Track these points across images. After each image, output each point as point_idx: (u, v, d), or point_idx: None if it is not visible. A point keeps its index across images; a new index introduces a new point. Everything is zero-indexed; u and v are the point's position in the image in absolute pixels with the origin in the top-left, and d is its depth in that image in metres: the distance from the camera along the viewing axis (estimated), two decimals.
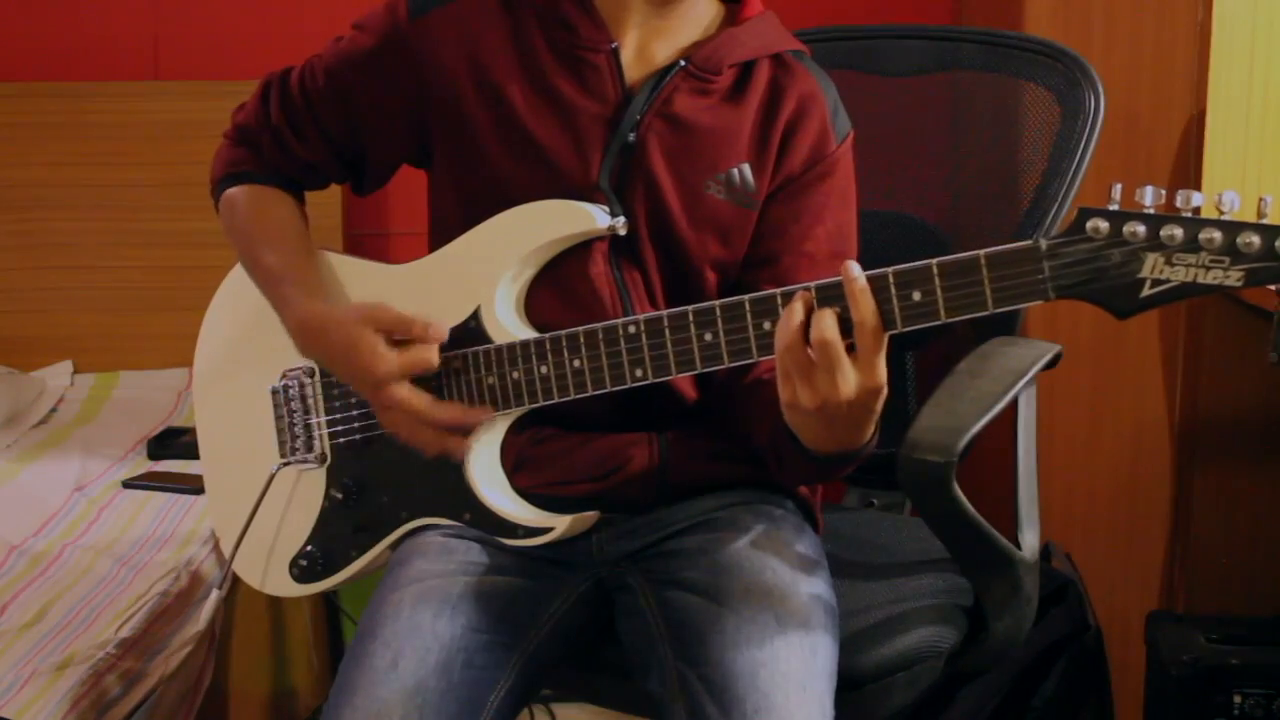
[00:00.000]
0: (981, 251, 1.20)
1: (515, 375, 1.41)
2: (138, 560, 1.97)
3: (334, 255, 1.55)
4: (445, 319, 1.44)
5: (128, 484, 2.27)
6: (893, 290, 1.23)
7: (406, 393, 1.40)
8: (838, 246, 1.47)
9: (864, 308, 1.23)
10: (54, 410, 2.64)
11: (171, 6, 2.91)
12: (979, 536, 1.41)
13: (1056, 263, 1.17)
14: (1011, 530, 1.53)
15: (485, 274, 1.44)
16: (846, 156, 1.49)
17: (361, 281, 1.52)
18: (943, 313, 1.21)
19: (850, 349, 1.24)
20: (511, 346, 1.41)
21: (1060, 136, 1.67)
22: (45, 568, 1.93)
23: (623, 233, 1.43)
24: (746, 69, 1.46)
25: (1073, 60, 1.68)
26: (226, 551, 1.60)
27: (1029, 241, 1.18)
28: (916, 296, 1.22)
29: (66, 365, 2.80)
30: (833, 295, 1.25)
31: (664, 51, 1.45)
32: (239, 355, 1.60)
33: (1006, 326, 1.63)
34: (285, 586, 1.57)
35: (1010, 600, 1.48)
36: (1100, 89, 1.65)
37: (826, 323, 1.23)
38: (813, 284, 1.26)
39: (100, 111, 2.81)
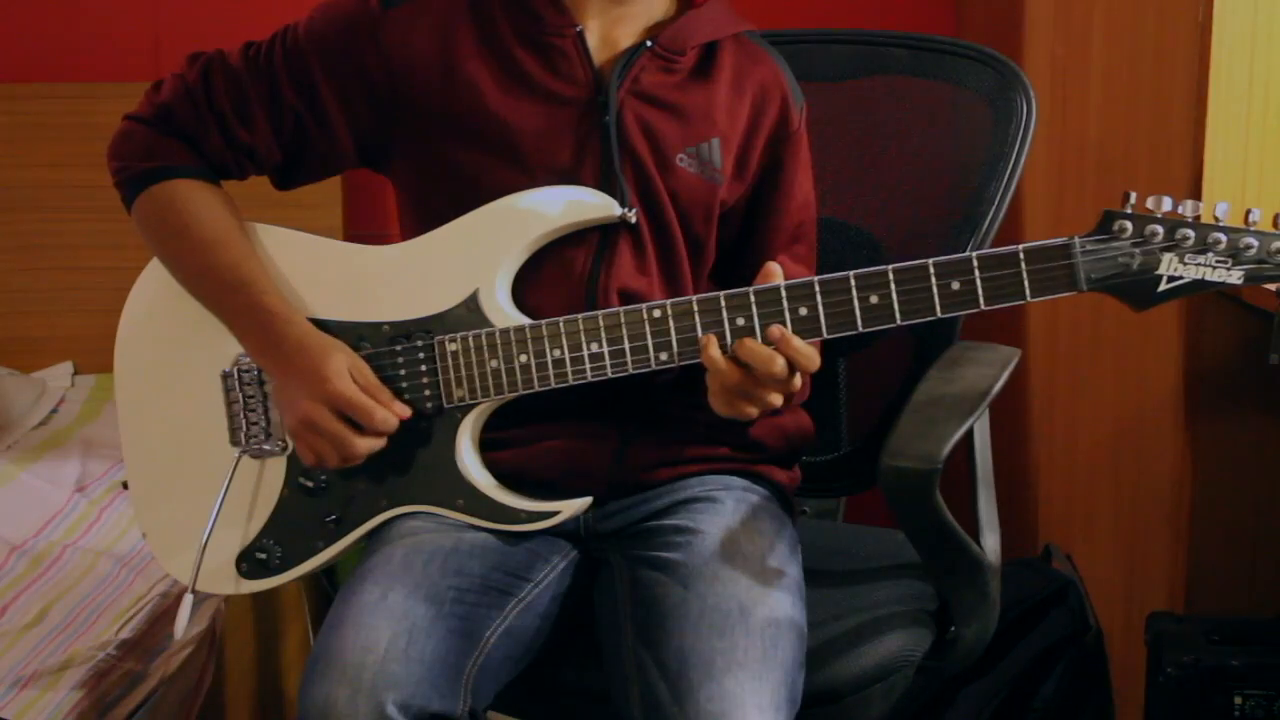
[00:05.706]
0: (1020, 246, 1.32)
1: (523, 359, 1.41)
2: (138, 561, 1.97)
3: (325, 241, 1.51)
4: (438, 301, 1.44)
5: (128, 485, 2.26)
6: (933, 280, 1.33)
7: (336, 420, 1.40)
8: (806, 215, 1.55)
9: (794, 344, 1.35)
10: (55, 411, 2.64)
11: (171, 6, 2.91)
12: (956, 544, 1.43)
13: (1089, 258, 1.30)
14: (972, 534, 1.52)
15: (487, 257, 1.43)
16: (803, 127, 1.55)
17: (353, 264, 1.49)
18: (982, 301, 1.33)
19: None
20: (521, 329, 1.41)
21: (994, 140, 1.67)
22: (46, 569, 1.93)
23: (633, 220, 1.45)
24: (709, 50, 1.50)
25: (1003, 65, 1.69)
26: (156, 552, 1.55)
27: (1064, 239, 1.31)
28: (955, 286, 1.33)
29: (67, 366, 2.80)
30: (803, 293, 1.35)
31: (627, 36, 1.49)
32: (180, 345, 1.53)
33: (946, 331, 1.62)
34: (228, 584, 1.50)
35: (979, 606, 1.50)
36: (1032, 93, 1.67)
37: (747, 348, 1.34)
38: (782, 284, 1.36)
39: (100, 112, 2.77)
